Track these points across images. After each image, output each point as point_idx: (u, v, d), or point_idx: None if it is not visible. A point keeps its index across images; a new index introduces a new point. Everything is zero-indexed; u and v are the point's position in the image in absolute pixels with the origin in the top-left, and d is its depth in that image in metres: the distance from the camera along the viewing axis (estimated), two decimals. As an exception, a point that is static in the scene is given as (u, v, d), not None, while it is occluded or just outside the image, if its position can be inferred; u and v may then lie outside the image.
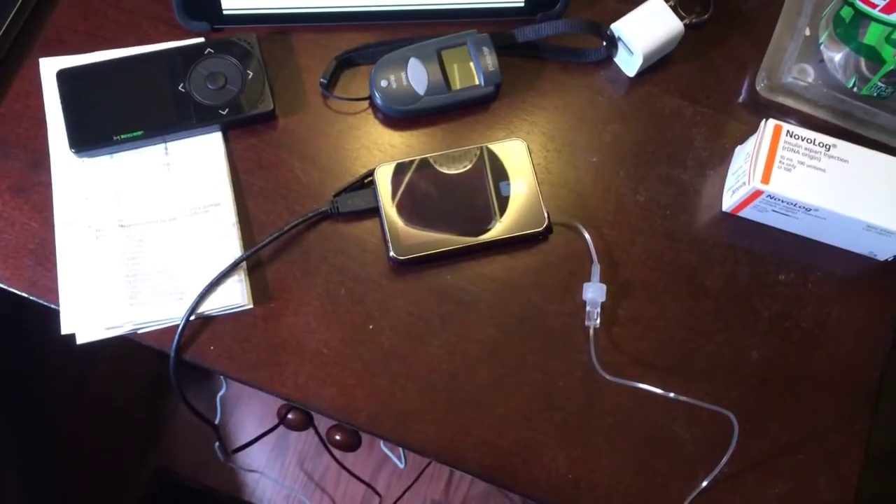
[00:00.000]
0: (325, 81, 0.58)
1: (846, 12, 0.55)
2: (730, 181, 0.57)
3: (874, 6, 0.52)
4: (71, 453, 0.93)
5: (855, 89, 0.58)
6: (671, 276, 0.57)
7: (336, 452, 0.98)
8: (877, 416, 0.56)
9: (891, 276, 0.57)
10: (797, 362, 0.55)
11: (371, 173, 0.56)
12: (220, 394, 1.15)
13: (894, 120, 0.58)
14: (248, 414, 1.17)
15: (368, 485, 1.12)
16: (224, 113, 0.56)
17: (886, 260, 0.56)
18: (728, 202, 0.57)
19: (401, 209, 0.55)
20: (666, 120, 0.60)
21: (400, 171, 0.56)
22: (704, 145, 0.59)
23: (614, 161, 0.59)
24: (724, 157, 0.59)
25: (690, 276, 0.57)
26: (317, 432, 0.93)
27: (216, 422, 1.14)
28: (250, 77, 0.57)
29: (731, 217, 0.58)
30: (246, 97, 0.57)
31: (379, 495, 1.14)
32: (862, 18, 0.53)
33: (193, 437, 1.15)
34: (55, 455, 0.89)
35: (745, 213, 0.57)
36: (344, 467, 1.05)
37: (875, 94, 0.57)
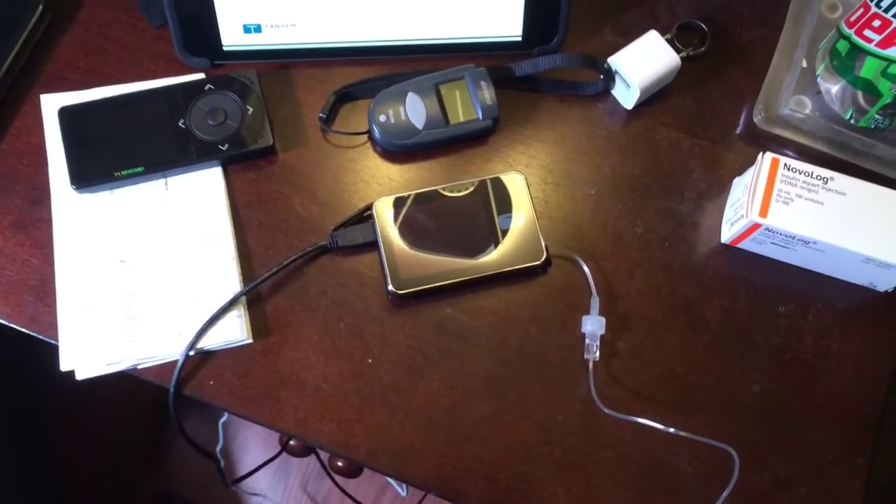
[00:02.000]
0: (324, 116, 0.59)
1: (842, 45, 0.55)
2: (728, 213, 0.57)
3: (870, 41, 0.52)
4: (71, 478, 0.93)
5: (852, 121, 0.58)
6: (670, 308, 0.57)
7: (338, 478, 0.98)
8: (879, 448, 0.55)
9: (891, 307, 0.57)
10: (798, 396, 0.55)
11: (370, 207, 0.56)
12: (223, 420, 1.15)
13: (892, 151, 0.58)
14: (252, 437, 1.17)
15: (371, 510, 1.12)
16: (224, 148, 0.57)
17: (886, 291, 0.56)
18: (727, 234, 0.57)
19: (399, 243, 0.55)
20: (664, 152, 0.60)
21: (398, 204, 0.56)
22: (702, 177, 0.60)
23: (612, 193, 0.59)
24: (723, 189, 0.59)
25: (689, 309, 0.57)
26: (319, 459, 0.93)
27: (218, 447, 1.14)
28: (250, 112, 0.57)
29: (730, 249, 0.58)
30: (246, 132, 0.57)
31: (381, 521, 1.14)
32: (858, 52, 0.54)
33: (195, 460, 1.14)
34: (55, 480, 0.89)
35: (744, 244, 0.57)
36: (346, 493, 1.05)
37: (872, 126, 0.57)
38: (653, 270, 0.57)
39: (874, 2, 0.52)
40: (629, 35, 0.60)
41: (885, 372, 0.56)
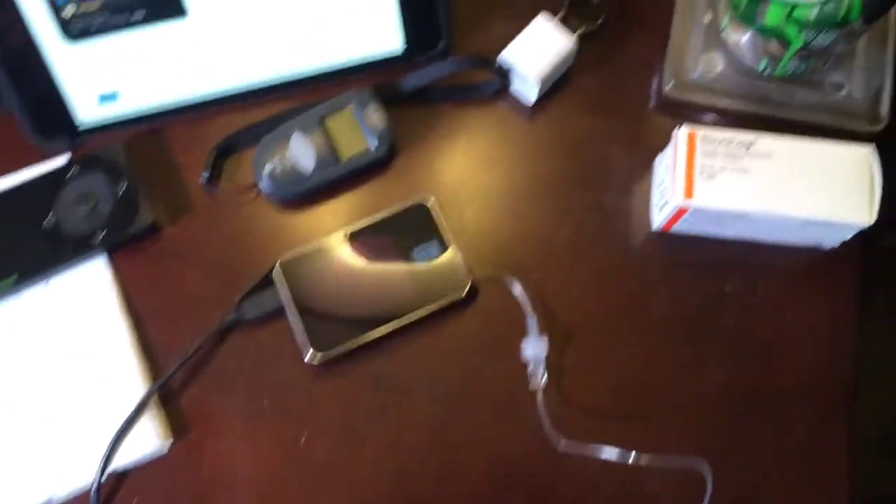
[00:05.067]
0: (206, 176, 0.53)
1: (742, -4, 0.51)
2: (655, 197, 0.53)
3: (768, -12, 0.48)
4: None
5: (767, 71, 0.54)
6: (613, 310, 0.53)
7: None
8: (860, 409, 0.52)
9: (840, 263, 0.53)
10: (762, 379, 0.52)
11: (272, 270, 0.51)
12: None
13: (813, 95, 0.54)
14: None
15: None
16: (101, 238, 0.51)
17: (833, 248, 0.53)
18: (657, 220, 0.53)
19: (310, 304, 0.50)
20: (578, 142, 0.56)
21: (302, 261, 0.51)
22: (624, 161, 0.55)
23: (531, 198, 0.55)
24: (647, 171, 0.55)
25: (634, 307, 0.53)
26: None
27: None
28: (122, 191, 0.52)
29: (665, 234, 0.54)
30: (122, 214, 0.52)
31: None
32: (758, 1, 0.49)
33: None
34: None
35: (677, 228, 0.53)
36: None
37: (789, 73, 0.53)
38: (588, 273, 0.53)
39: (765, -54, 0.48)
40: (521, 21, 0.55)
41: (849, 331, 0.52)
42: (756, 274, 0.53)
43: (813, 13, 0.46)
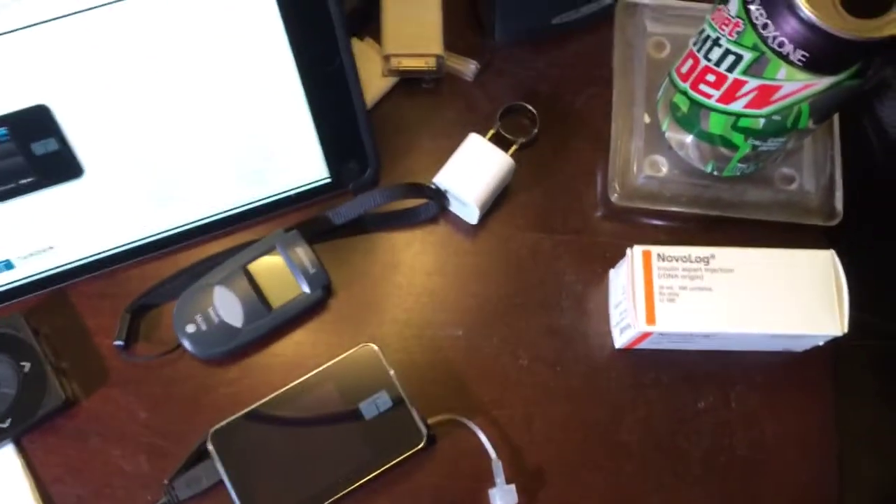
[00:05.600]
0: (121, 343, 0.48)
1: (681, 100, 0.48)
2: (614, 317, 0.50)
3: (709, 96, 0.46)
4: None
5: (715, 173, 0.52)
6: (583, 443, 0.49)
7: None
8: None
9: (813, 365, 0.50)
10: (744, 499, 0.48)
11: (205, 441, 0.46)
12: None
13: (766, 192, 0.51)
14: None
15: None
16: (6, 425, 0.45)
17: (805, 350, 0.50)
18: (619, 341, 0.50)
19: (251, 475, 0.45)
20: (526, 261, 0.52)
21: (237, 428, 0.46)
22: (576, 278, 0.52)
23: (483, 327, 0.51)
24: (601, 285, 0.52)
25: (604, 436, 0.49)
26: None
27: None
28: (27, 369, 0.46)
29: (628, 353, 0.50)
30: (28, 395, 0.46)
31: None
32: (699, 108, 0.47)
33: None
34: None
35: (643, 345, 0.50)
36: None
37: (738, 174, 0.51)
38: (553, 405, 0.49)
39: (701, 53, 0.45)
40: (451, 137, 0.52)
41: (830, 438, 0.50)
42: (728, 386, 0.50)
43: (760, 123, 0.44)
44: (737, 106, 0.44)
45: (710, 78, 0.45)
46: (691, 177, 0.52)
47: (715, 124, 0.47)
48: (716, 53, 0.43)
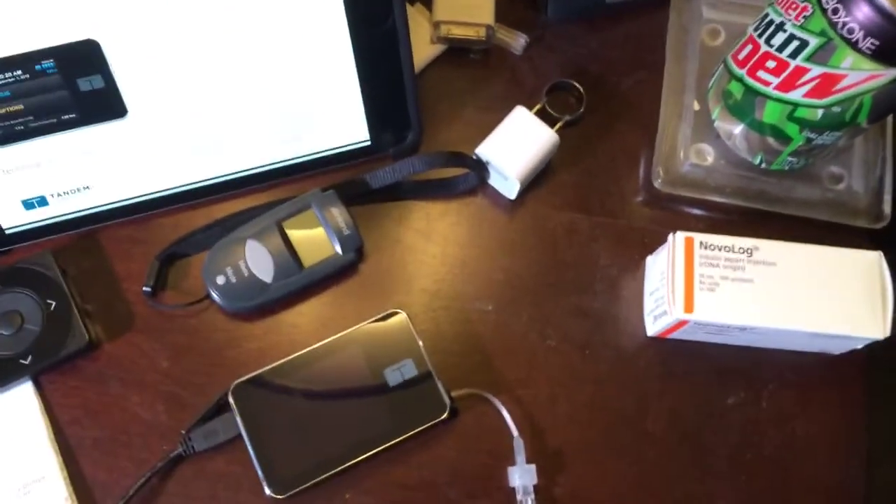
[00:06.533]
0: (149, 290, 0.48)
1: (735, 87, 0.47)
2: (649, 304, 0.49)
3: (767, 83, 0.44)
4: None
5: (763, 165, 0.50)
6: (608, 428, 0.48)
7: None
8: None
9: (850, 367, 0.49)
10: (771, 500, 0.47)
11: (226, 395, 0.46)
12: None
13: (814, 190, 0.50)
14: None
15: None
16: (27, 362, 0.45)
17: (841, 353, 0.49)
18: (652, 328, 0.49)
19: (269, 433, 0.44)
20: (562, 241, 0.51)
21: (260, 384, 0.45)
22: (611, 261, 0.51)
23: (513, 304, 0.50)
24: (637, 271, 0.51)
25: (629, 423, 0.48)
26: None
27: None
28: (53, 307, 0.46)
29: (660, 341, 0.50)
30: (52, 334, 0.45)
31: None
32: (755, 96, 0.46)
33: None
34: None
35: (675, 335, 0.49)
36: None
37: (787, 168, 0.50)
38: (578, 387, 0.49)
39: (763, 39, 0.44)
40: (495, 110, 0.51)
41: (860, 442, 0.48)
42: (761, 384, 0.49)
43: (818, 114, 0.43)
44: (796, 95, 0.43)
45: (770, 64, 0.44)
46: (738, 168, 0.51)
47: (770, 113, 0.46)
48: (779, 38, 0.42)
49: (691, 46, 0.53)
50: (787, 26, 0.42)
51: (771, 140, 0.48)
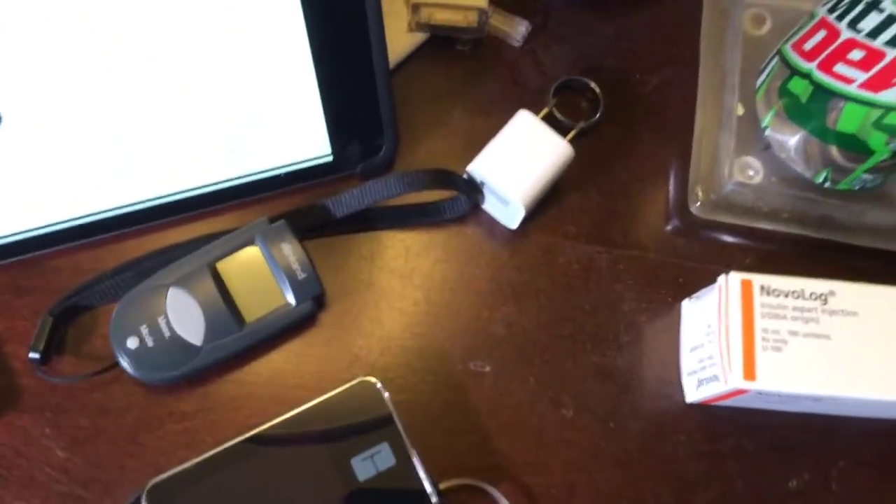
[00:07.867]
0: (37, 356, 0.36)
1: (798, 85, 0.37)
2: (689, 363, 0.39)
3: (848, 81, 0.34)
4: None
5: (827, 184, 0.40)
6: (640, 524, 0.38)
7: None
8: None
9: (937, 440, 0.40)
10: None
11: (139, 499, 0.34)
12: None
13: (890, 216, 0.40)
14: None
15: None
16: None
17: (928, 421, 0.39)
18: (695, 394, 0.38)
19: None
20: (575, 281, 0.41)
21: (184, 484, 0.34)
22: (639, 307, 0.40)
23: (516, 364, 0.39)
24: (671, 318, 0.40)
25: (667, 517, 0.38)
26: None
27: None
28: None
29: (702, 409, 0.39)
30: None
31: None
32: (828, 97, 0.36)
33: None
34: None
35: (722, 402, 0.38)
36: None
37: (857, 188, 0.40)
38: (602, 470, 0.38)
39: (844, 22, 0.34)
40: (490, 116, 0.41)
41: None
42: (829, 462, 0.39)
43: (918, 120, 0.33)
44: (890, 95, 0.33)
45: (856, 56, 0.34)
46: (792, 187, 0.41)
47: (848, 119, 0.36)
48: (871, 21, 0.32)
49: (731, 36, 0.43)
50: (886, 4, 0.31)
51: (841, 153, 0.38)
